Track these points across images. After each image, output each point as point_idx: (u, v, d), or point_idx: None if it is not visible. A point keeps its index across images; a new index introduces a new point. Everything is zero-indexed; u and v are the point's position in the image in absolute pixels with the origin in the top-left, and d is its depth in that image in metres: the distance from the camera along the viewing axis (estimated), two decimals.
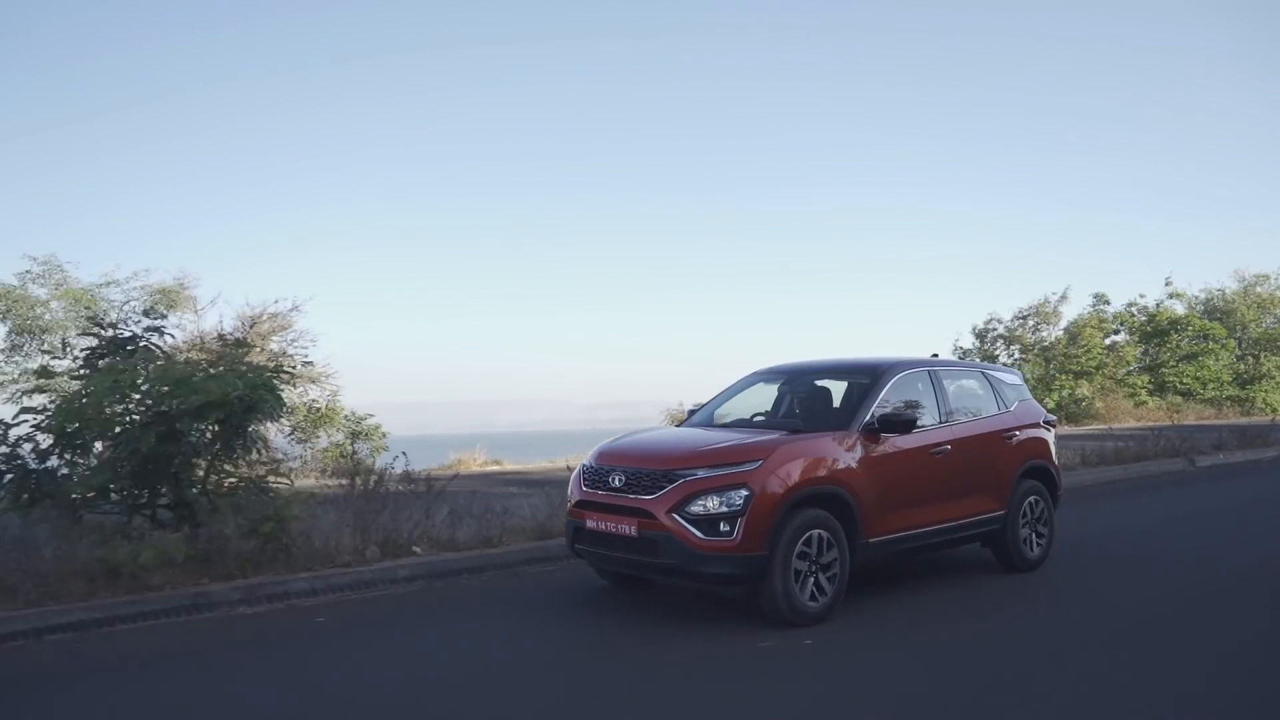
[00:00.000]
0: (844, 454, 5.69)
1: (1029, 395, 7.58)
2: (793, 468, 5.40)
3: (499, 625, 5.63)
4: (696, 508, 5.22)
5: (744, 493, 5.20)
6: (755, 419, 6.69)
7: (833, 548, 5.47)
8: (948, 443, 6.35)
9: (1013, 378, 7.54)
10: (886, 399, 6.15)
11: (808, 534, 5.36)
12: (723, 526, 5.18)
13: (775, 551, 5.22)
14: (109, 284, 15.64)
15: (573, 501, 5.96)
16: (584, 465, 6.09)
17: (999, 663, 4.73)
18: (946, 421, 6.50)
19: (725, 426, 6.58)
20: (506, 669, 4.75)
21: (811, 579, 5.39)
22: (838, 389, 6.68)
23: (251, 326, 14.40)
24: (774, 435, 5.78)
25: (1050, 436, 7.40)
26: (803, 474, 5.42)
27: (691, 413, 7.20)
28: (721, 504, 5.20)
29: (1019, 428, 7.03)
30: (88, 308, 14.70)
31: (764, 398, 7.00)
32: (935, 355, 7.10)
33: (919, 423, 6.18)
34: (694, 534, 5.19)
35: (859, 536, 5.65)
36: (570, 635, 5.44)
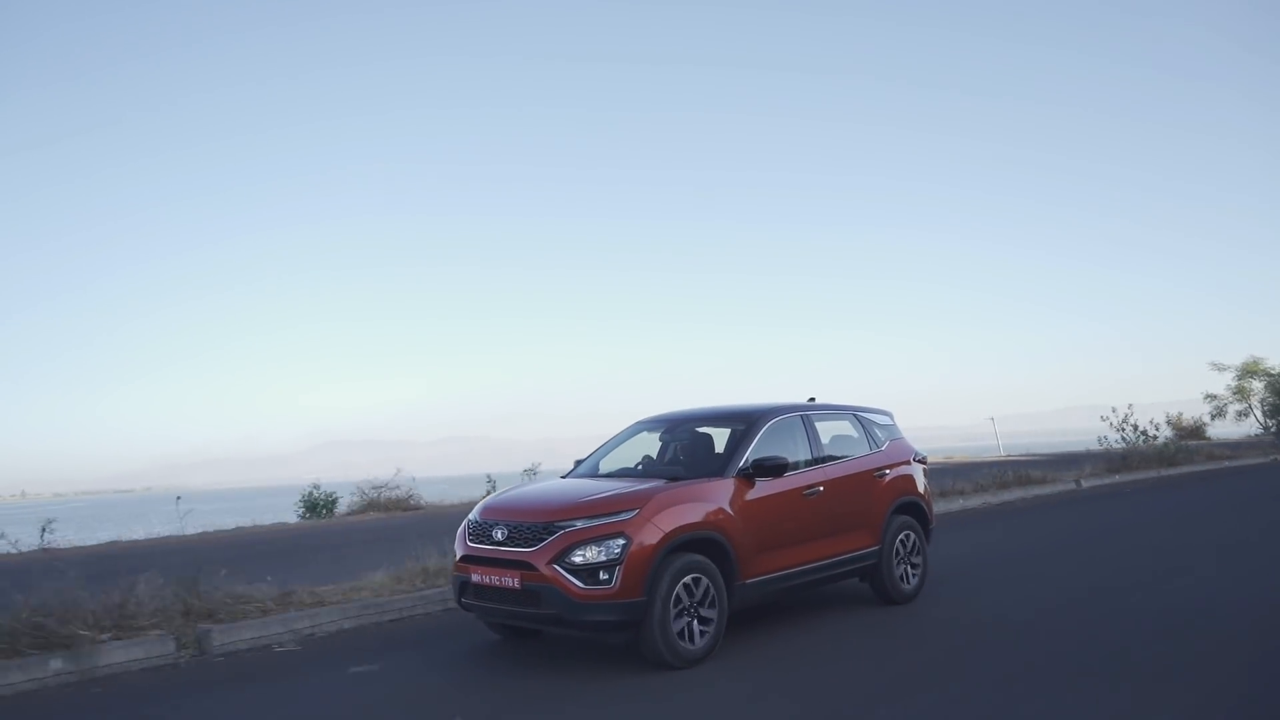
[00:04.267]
0: (719, 499, 5.95)
1: (901, 434, 8.01)
2: (668, 515, 5.61)
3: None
4: (576, 558, 5.38)
5: (621, 541, 5.39)
6: (638, 467, 6.90)
7: (710, 591, 5.69)
8: (820, 484, 6.68)
9: (884, 419, 7.95)
10: (760, 444, 6.45)
11: (685, 578, 5.57)
12: (602, 575, 5.34)
13: (653, 597, 5.41)
14: None
15: (458, 556, 6.04)
16: (468, 520, 6.19)
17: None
18: (819, 463, 6.84)
19: (609, 476, 6.77)
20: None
21: (690, 622, 5.59)
22: (720, 436, 6.95)
23: None
24: (652, 484, 5.98)
25: (921, 472, 7.82)
26: (678, 521, 5.63)
27: (578, 464, 7.37)
28: (600, 553, 5.37)
29: (890, 466, 7.43)
30: None
31: (648, 446, 7.22)
32: (812, 399, 7.46)
33: (792, 465, 6.50)
34: (574, 583, 5.34)
35: (736, 578, 5.88)
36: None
